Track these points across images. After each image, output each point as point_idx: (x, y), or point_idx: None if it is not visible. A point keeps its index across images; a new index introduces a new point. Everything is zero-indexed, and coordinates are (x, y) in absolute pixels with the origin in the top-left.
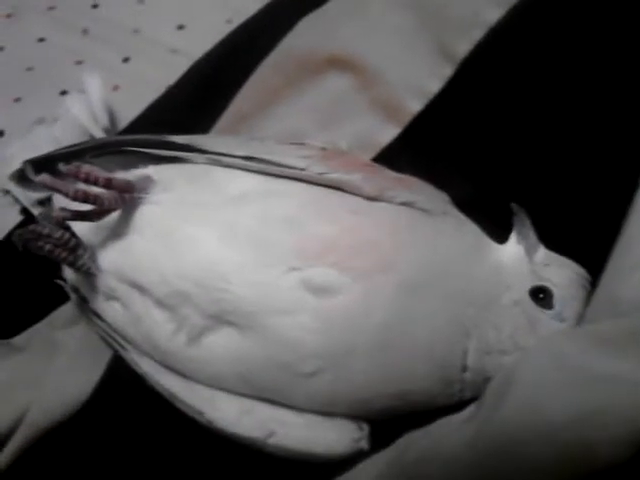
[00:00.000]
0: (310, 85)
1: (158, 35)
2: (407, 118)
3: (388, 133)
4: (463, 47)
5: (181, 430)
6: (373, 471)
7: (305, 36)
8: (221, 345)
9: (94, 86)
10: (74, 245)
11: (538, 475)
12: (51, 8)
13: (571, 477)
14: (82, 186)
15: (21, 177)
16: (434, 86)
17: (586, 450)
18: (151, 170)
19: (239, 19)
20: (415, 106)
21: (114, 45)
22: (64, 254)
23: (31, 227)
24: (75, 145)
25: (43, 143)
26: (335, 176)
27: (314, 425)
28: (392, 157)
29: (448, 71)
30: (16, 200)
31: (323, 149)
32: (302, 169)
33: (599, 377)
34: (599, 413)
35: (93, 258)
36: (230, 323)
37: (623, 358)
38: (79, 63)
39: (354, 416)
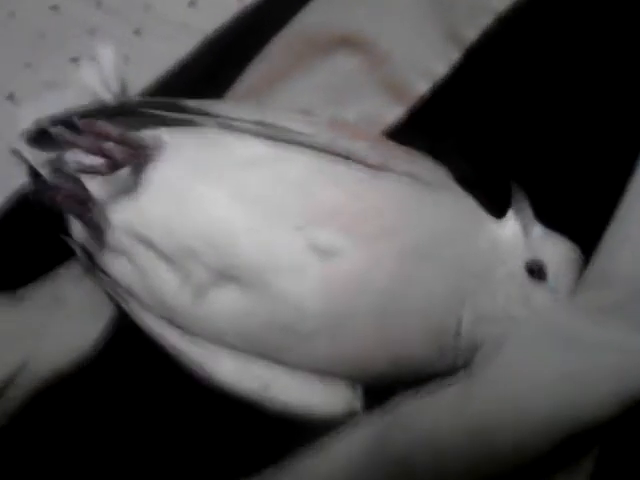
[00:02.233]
0: (320, 63)
1: (169, 11)
2: (413, 98)
3: (394, 112)
4: (471, 32)
5: (182, 383)
6: (367, 432)
7: (317, 15)
8: (225, 302)
9: (107, 55)
10: (85, 198)
11: (525, 434)
12: None
13: (560, 434)
14: (98, 143)
15: (32, 137)
16: (441, 69)
17: (572, 409)
18: (163, 131)
19: None
20: (421, 87)
21: (126, 18)
22: (75, 206)
23: (44, 179)
24: (89, 106)
25: (53, 107)
26: (342, 144)
27: (310, 383)
28: (397, 135)
29: (455, 55)
30: (24, 160)
31: (331, 119)
32: (310, 135)
33: (586, 343)
34: (585, 375)
35: (103, 212)
36: (235, 280)
37: (609, 326)
38: (91, 32)
39: (351, 379)
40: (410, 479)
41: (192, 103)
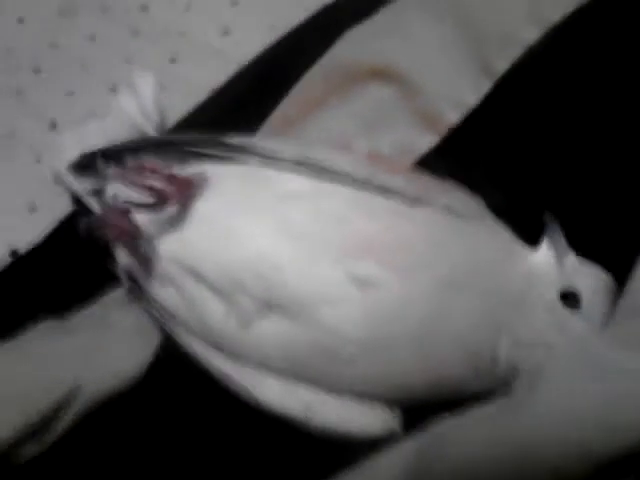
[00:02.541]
0: (354, 94)
1: (204, 38)
2: (445, 128)
3: (426, 142)
4: (501, 64)
5: (229, 407)
6: (406, 453)
7: (350, 47)
8: (270, 330)
9: (145, 83)
10: (136, 234)
11: (564, 461)
12: (103, 7)
13: (597, 462)
14: (144, 178)
15: (76, 167)
16: (472, 99)
17: (610, 436)
18: (206, 167)
19: (282, 25)
20: (453, 117)
21: (162, 46)
22: (128, 242)
23: (97, 215)
24: (133, 141)
25: (95, 136)
26: (379, 178)
27: (351, 407)
28: (429, 164)
29: (486, 86)
30: (68, 189)
31: (368, 154)
32: (349, 172)
33: (623, 371)
34: (622, 403)
35: (152, 246)
36: (280, 310)
37: None
38: (128, 61)
39: (389, 401)
40: None
41: (233, 140)
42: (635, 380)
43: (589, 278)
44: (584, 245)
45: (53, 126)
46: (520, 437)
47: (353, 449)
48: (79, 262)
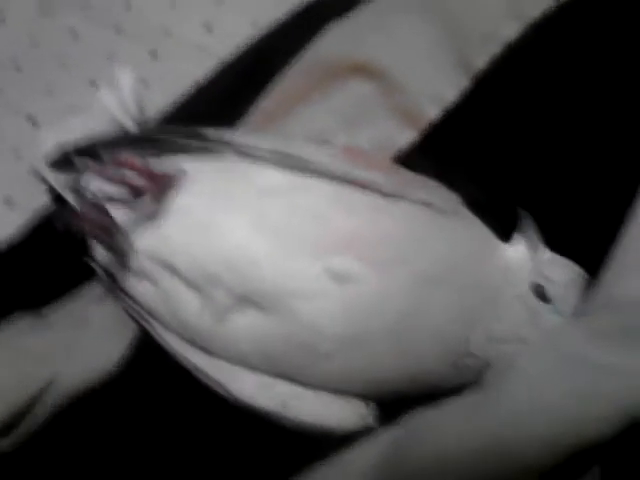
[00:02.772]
0: (335, 90)
1: (186, 34)
2: (424, 124)
3: (406, 138)
4: (481, 60)
5: (202, 401)
6: (379, 446)
7: (331, 43)
8: (246, 325)
9: (125, 78)
10: (112, 227)
11: (531, 449)
12: (83, 4)
13: (563, 451)
14: (121, 172)
15: (54, 161)
16: (451, 95)
17: (576, 426)
18: (183, 162)
19: (263, 22)
20: (432, 113)
21: (143, 41)
22: (103, 235)
23: (72, 209)
24: (110, 135)
25: (74, 131)
26: (357, 174)
27: (326, 401)
28: (408, 160)
29: (466, 82)
30: (45, 182)
31: (346, 148)
32: (327, 166)
33: (592, 365)
34: (589, 394)
35: (126, 238)
36: (256, 304)
37: (615, 349)
38: (109, 57)
39: (365, 396)
40: None
41: (211, 132)
42: (603, 374)
43: (561, 271)
44: (557, 239)
45: (33, 123)
46: (490, 429)
47: (329, 444)
48: (56, 257)
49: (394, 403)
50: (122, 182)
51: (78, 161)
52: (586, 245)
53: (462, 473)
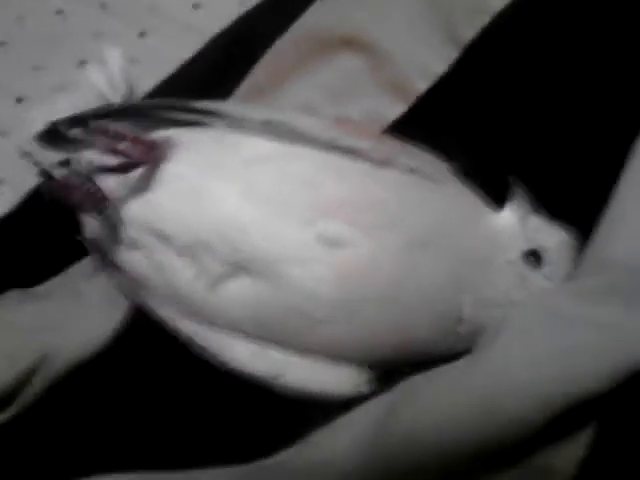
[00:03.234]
0: (324, 63)
1: (174, 12)
2: (413, 96)
3: (395, 110)
4: (469, 32)
5: (199, 370)
6: (372, 412)
7: (320, 16)
8: (238, 291)
9: (113, 56)
10: (101, 196)
11: (523, 406)
12: None
13: (556, 407)
14: (112, 143)
15: (43, 139)
16: (440, 67)
17: (567, 383)
18: (173, 132)
19: (250, 1)
20: (422, 86)
21: (131, 20)
22: (91, 205)
23: (61, 179)
24: (101, 108)
25: (63, 109)
26: (346, 142)
27: (322, 368)
28: (398, 132)
29: (454, 54)
30: (35, 162)
31: (335, 117)
32: (316, 134)
33: (582, 321)
34: (579, 351)
35: (117, 210)
36: (248, 271)
37: (603, 306)
38: (97, 35)
39: (359, 363)
40: (414, 454)
41: (200, 104)
42: (592, 332)
43: (552, 237)
44: (548, 205)
45: (19, 100)
46: (480, 387)
47: (324, 410)
48: (46, 234)
49: (390, 371)
50: (113, 152)
51: (70, 132)
52: (577, 210)
53: (452, 433)
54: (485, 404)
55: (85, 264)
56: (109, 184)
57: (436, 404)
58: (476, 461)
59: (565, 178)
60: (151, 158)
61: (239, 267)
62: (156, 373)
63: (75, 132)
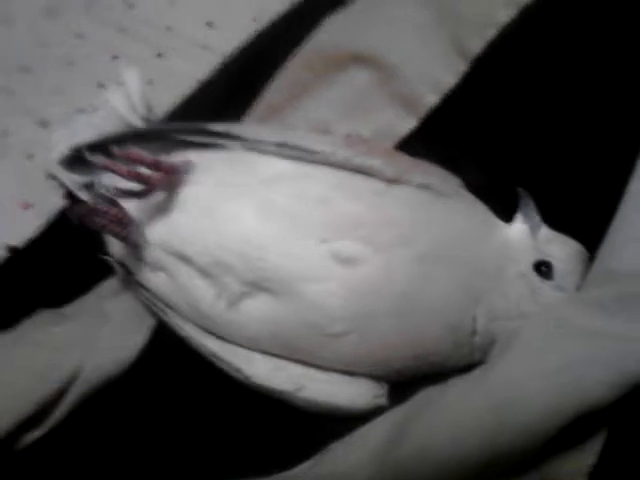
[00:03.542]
0: (335, 80)
1: (189, 32)
2: (423, 111)
3: (406, 125)
4: (477, 45)
5: (221, 387)
6: (386, 425)
7: (331, 34)
8: (258, 309)
9: (132, 78)
10: (127, 221)
11: (533, 416)
12: (88, 6)
13: (565, 417)
14: (132, 167)
15: (67, 162)
16: (449, 81)
17: (579, 391)
18: (191, 154)
19: (264, 17)
20: (431, 99)
21: (148, 41)
22: (117, 229)
23: (87, 204)
24: (121, 132)
25: (85, 131)
26: (359, 161)
27: (339, 382)
28: (410, 146)
29: (462, 67)
30: (60, 184)
31: (347, 136)
32: (329, 154)
33: (591, 332)
34: (588, 361)
35: (142, 233)
36: (266, 289)
37: (612, 317)
38: (115, 58)
39: (375, 376)
40: (427, 466)
41: (216, 126)
42: (601, 343)
43: (562, 249)
44: (558, 218)
45: (43, 124)
46: (491, 399)
47: (341, 423)
48: (73, 254)
49: (406, 383)
50: (132, 175)
51: (90, 157)
52: (585, 221)
53: (464, 444)
54: (496, 415)
55: (111, 283)
56: (131, 207)
57: (448, 417)
58: (487, 471)
59: (573, 190)
60: (170, 181)
61: (257, 285)
62: (179, 389)
63: (97, 158)
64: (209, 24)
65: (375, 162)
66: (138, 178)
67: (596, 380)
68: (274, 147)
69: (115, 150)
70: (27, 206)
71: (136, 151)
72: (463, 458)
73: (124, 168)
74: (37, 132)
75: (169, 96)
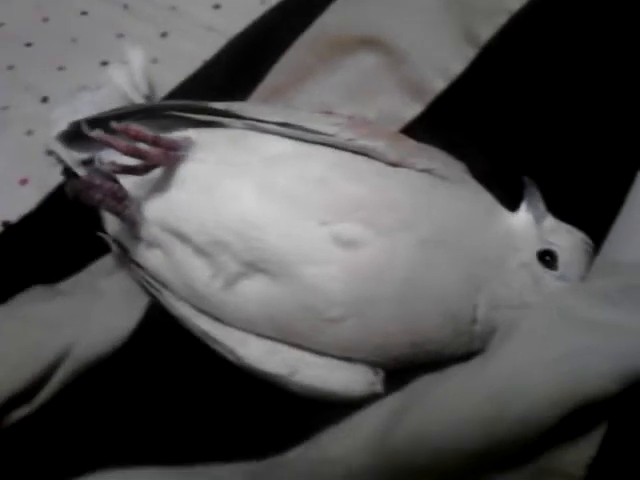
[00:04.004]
0: (341, 63)
1: (195, 13)
2: (431, 96)
3: (412, 110)
4: (486, 32)
5: (214, 368)
6: (382, 412)
7: (338, 16)
8: (254, 290)
9: (135, 56)
10: (122, 195)
11: (533, 405)
12: None
13: (565, 407)
14: (132, 143)
15: (66, 138)
16: (457, 67)
17: (576, 383)
18: (192, 132)
19: (271, 1)
20: (439, 85)
21: (153, 21)
22: (113, 203)
23: (84, 178)
24: (122, 108)
25: (86, 108)
26: (361, 142)
27: (334, 367)
28: (415, 132)
29: (471, 54)
30: (59, 160)
31: (351, 118)
32: (332, 135)
33: (594, 323)
34: (590, 352)
35: (138, 209)
36: (263, 270)
37: (615, 308)
38: (119, 36)
39: (372, 362)
40: (423, 454)
41: (218, 105)
42: (604, 333)
43: (566, 238)
44: (563, 207)
45: (44, 100)
46: (490, 388)
47: (336, 408)
48: (69, 231)
49: (403, 370)
50: (131, 152)
51: (89, 132)
52: (592, 212)
53: (461, 433)
54: (495, 404)
55: (106, 261)
56: (130, 183)
57: (445, 405)
58: (484, 461)
59: (580, 179)
60: (170, 158)
61: (255, 266)
62: (171, 368)
63: (97, 133)
64: (215, 5)
65: (378, 144)
66: (136, 153)
67: (597, 372)
68: (276, 126)
69: (114, 125)
70: (25, 182)
71: (135, 127)
72: (460, 447)
73: (122, 143)
74: (38, 108)
75: (173, 76)
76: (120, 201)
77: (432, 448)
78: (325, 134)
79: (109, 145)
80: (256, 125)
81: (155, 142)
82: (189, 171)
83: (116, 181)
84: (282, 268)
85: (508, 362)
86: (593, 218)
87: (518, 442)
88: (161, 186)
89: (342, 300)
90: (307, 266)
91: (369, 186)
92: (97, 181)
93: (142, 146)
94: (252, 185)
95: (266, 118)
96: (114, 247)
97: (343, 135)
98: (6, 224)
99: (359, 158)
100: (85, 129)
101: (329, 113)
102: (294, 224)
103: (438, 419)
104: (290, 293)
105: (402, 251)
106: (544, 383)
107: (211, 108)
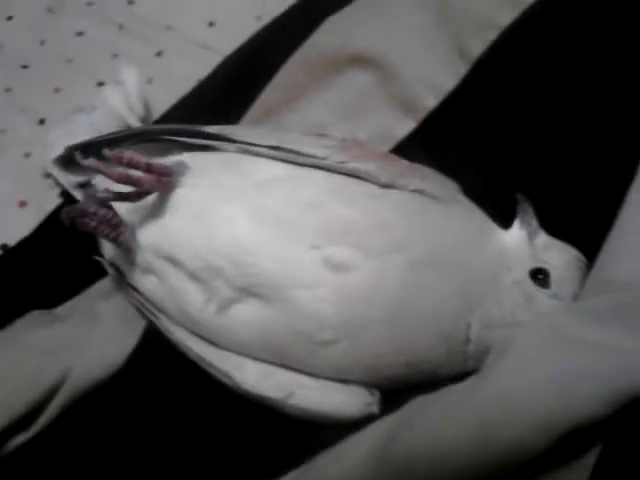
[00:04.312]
0: (333, 81)
1: (190, 31)
2: (423, 113)
3: (405, 127)
4: (477, 47)
5: (210, 392)
6: (377, 433)
7: (330, 35)
8: (247, 315)
9: (131, 77)
10: (117, 222)
11: (524, 428)
12: (89, 4)
13: (557, 430)
14: (124, 170)
15: (63, 161)
16: (449, 84)
17: (569, 406)
18: (185, 157)
19: (268, 17)
20: (431, 102)
21: (148, 40)
22: (108, 230)
23: (79, 205)
24: (116, 132)
25: (82, 130)
26: (353, 165)
27: (329, 389)
28: (408, 150)
29: (463, 70)
30: (57, 183)
31: (342, 140)
32: (323, 158)
33: (584, 344)
34: (582, 373)
35: (133, 235)
36: (256, 295)
37: (607, 328)
38: (115, 56)
39: (366, 383)
40: (415, 478)
41: (210, 128)
42: (595, 355)
43: (559, 256)
44: (556, 225)
45: (41, 122)
46: (480, 412)
47: (333, 431)
48: (67, 255)
49: (398, 391)
50: (124, 179)
51: (82, 160)
52: (585, 229)
53: (452, 457)
54: (483, 429)
55: (103, 284)
56: (124, 210)
57: (436, 429)
58: None
59: (573, 196)
60: (163, 185)
61: (248, 291)
62: (168, 393)
63: (90, 162)
64: (211, 24)
65: (369, 166)
66: (129, 181)
67: (587, 395)
68: (268, 149)
69: (107, 153)
70: (24, 204)
71: (128, 153)
72: (449, 471)
73: (115, 171)
74: (35, 130)
75: (168, 95)
76: (115, 228)
77: (427, 469)
78: (317, 157)
79: (102, 173)
80: (248, 148)
81: (148, 169)
82: (183, 197)
83: (111, 207)
84: (274, 292)
85: (498, 386)
86: (586, 234)
87: (508, 466)
88: (155, 212)
89: (333, 323)
90: (298, 290)
91: (361, 209)
92: (91, 208)
93: (135, 173)
94: (245, 209)
95: (258, 142)
96: (111, 271)
97: (335, 158)
98: (5, 247)
99: (351, 180)
100: (78, 158)
101: (322, 135)
102: (285, 248)
103: (428, 444)
104: (282, 317)
105: (392, 273)
106: (532, 409)
107: (203, 131)
